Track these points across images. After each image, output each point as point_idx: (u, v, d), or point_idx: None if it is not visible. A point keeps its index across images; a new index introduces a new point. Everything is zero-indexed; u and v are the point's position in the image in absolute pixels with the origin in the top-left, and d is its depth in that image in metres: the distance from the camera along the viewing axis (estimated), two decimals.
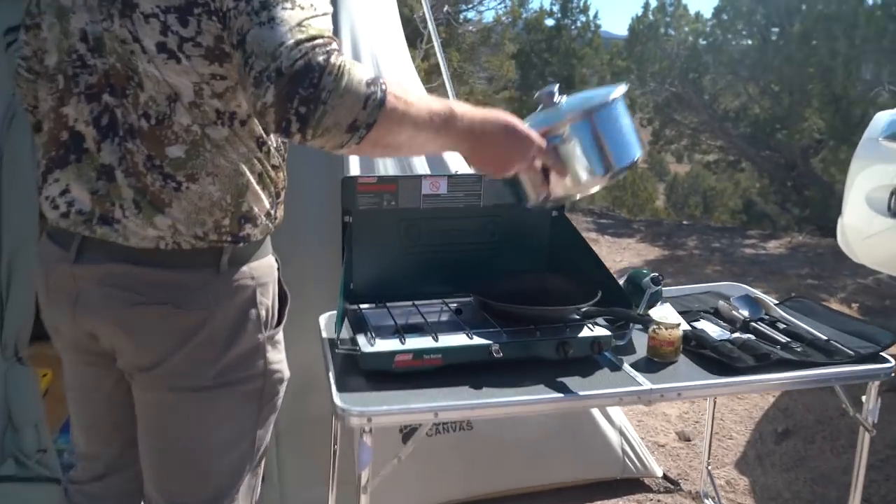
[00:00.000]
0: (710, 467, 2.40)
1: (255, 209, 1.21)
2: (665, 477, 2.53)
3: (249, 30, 1.00)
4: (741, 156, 9.97)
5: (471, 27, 10.34)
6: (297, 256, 2.26)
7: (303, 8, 1.02)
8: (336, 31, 2.34)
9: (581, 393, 1.48)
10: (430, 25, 3.36)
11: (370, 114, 0.99)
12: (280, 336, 1.33)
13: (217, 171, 1.16)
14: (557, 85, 1.33)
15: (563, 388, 1.48)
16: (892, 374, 1.65)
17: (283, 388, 1.35)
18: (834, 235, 7.19)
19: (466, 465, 2.30)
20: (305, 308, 2.19)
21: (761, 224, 9.32)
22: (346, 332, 1.67)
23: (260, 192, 1.22)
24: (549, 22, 10.88)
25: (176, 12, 1.08)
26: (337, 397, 1.43)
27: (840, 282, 5.36)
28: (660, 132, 10.52)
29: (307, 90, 0.96)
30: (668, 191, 13.05)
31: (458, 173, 1.90)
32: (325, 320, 1.86)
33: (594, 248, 6.12)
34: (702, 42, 9.48)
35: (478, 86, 10.04)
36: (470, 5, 10.50)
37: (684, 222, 9.05)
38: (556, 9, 10.87)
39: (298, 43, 0.97)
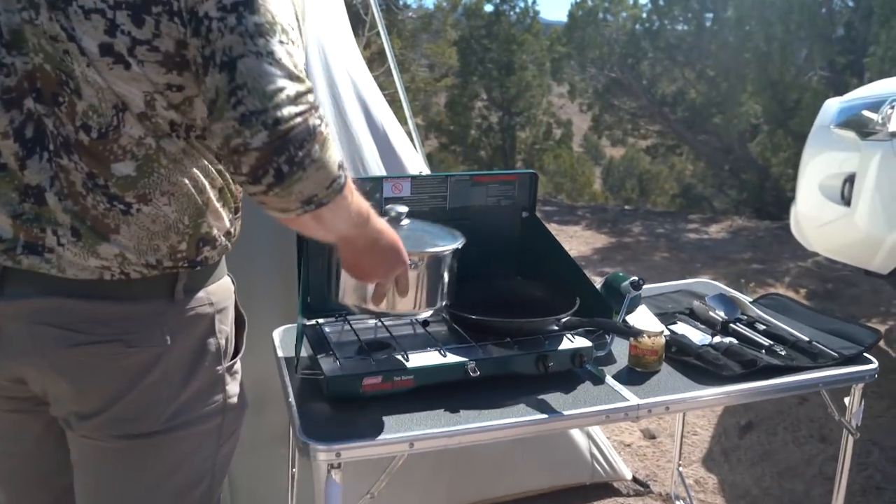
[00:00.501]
0: (680, 468, 2.34)
1: (215, 229, 1.08)
2: (634, 479, 2.46)
3: (243, 56, 0.88)
4: (679, 140, 10.11)
5: (411, 14, 10.15)
6: (248, 264, 2.09)
7: (295, 44, 0.93)
8: None
9: (565, 412, 1.37)
10: (375, 10, 3.20)
11: (329, 195, 0.94)
12: (238, 365, 1.19)
13: (174, 189, 1.02)
14: (406, 209, 1.41)
15: (545, 408, 1.37)
16: (876, 376, 1.60)
17: (243, 422, 1.21)
18: (772, 218, 7.38)
19: (429, 478, 2.18)
20: (256, 319, 2.03)
21: (700, 207, 9.47)
22: (305, 350, 1.52)
23: (220, 209, 1.08)
24: (489, 8, 10.78)
25: (129, 9, 0.92)
26: (300, 429, 1.28)
27: (783, 265, 5.44)
28: (599, 117, 10.58)
29: (296, 151, 0.88)
30: (604, 174, 13.19)
31: (422, 174, 1.76)
32: (280, 336, 1.70)
33: None
34: (639, 28, 9.53)
35: (419, 73, 9.88)
36: None
37: (626, 207, 9.12)
38: None
39: (299, 96, 0.90)
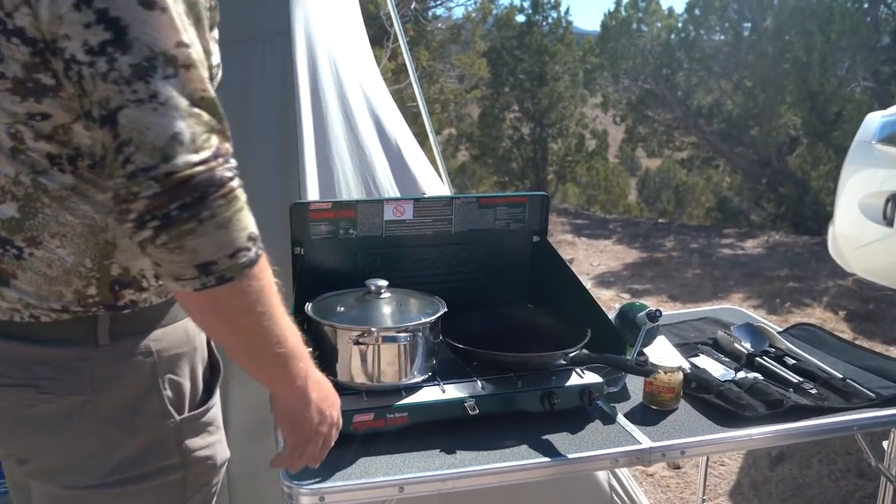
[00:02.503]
0: (704, 502, 2.21)
1: (135, 270, 0.96)
2: None
3: (122, 108, 0.76)
4: (715, 152, 9.89)
5: (440, 24, 10.10)
6: None
7: (187, 67, 0.79)
8: (289, 32, 2.12)
9: (570, 456, 1.27)
10: (396, 23, 3.14)
11: (232, 268, 0.81)
12: (213, 414, 1.08)
13: (64, 230, 0.90)
14: (386, 283, 1.38)
15: (549, 451, 1.27)
16: None
17: (219, 473, 1.11)
18: (811, 233, 7.14)
19: None
20: None
21: (736, 221, 9.23)
22: None
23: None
24: (520, 18, 10.69)
25: None
26: (284, 470, 1.20)
27: (821, 284, 5.24)
28: (633, 129, 10.41)
29: (192, 199, 0.77)
30: (640, 185, 12.98)
31: (426, 195, 1.68)
32: None
33: (571, 251, 5.96)
34: (674, 38, 9.36)
35: (448, 84, 9.82)
36: (438, 2, 10.27)
37: (660, 220, 8.94)
38: (526, 5, 10.68)
39: (197, 138, 0.78)
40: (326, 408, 1.01)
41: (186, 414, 1.03)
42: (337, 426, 1.05)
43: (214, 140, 0.80)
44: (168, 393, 1.00)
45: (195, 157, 0.77)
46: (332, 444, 1.06)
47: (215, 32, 0.95)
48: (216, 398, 1.10)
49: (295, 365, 0.93)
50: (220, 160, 0.80)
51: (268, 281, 0.86)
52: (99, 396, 0.95)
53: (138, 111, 0.76)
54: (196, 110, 0.79)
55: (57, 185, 0.88)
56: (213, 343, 1.11)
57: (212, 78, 0.93)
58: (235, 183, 0.81)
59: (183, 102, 0.78)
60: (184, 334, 1.04)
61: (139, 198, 0.76)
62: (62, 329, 0.94)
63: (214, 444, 1.08)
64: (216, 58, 0.95)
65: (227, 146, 0.82)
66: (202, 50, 0.84)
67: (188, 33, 0.81)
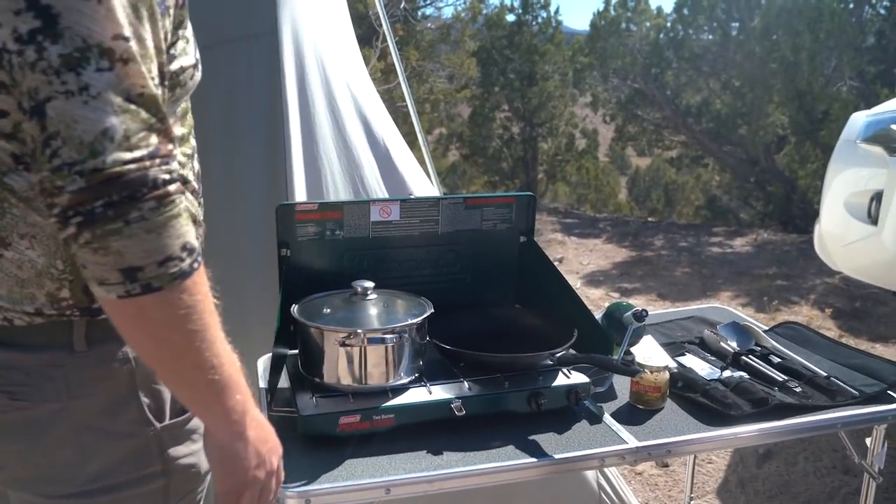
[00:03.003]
0: (692, 502, 2.22)
1: None
2: None
3: (51, 99, 0.72)
4: (704, 151, 9.93)
5: (429, 24, 10.09)
6: (238, 292, 2.02)
7: (125, 62, 0.75)
8: (277, 32, 2.12)
9: (557, 456, 1.27)
10: (385, 23, 3.14)
11: (160, 276, 0.76)
12: (196, 421, 1.05)
13: (34, 231, 0.87)
14: (373, 285, 1.39)
15: (536, 451, 1.28)
16: None
17: (204, 481, 1.09)
18: (799, 231, 7.18)
19: None
20: (249, 345, 1.96)
21: (725, 220, 9.28)
22: (284, 381, 1.44)
23: None
24: (510, 18, 10.70)
25: None
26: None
27: (809, 282, 5.27)
28: (622, 128, 10.44)
29: (121, 197, 0.73)
30: (630, 184, 13.01)
31: (413, 196, 1.68)
32: (264, 364, 1.63)
33: (561, 250, 5.96)
34: (663, 37, 9.38)
35: (438, 84, 9.81)
36: (428, 2, 10.27)
37: (650, 219, 8.97)
38: (516, 4, 10.70)
39: (132, 135, 0.74)
40: (266, 451, 0.95)
41: (168, 421, 1.00)
42: (278, 478, 0.98)
43: (153, 139, 0.76)
44: (147, 400, 0.97)
45: (127, 155, 0.74)
46: (272, 498, 0.98)
47: (187, 31, 0.92)
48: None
49: (230, 396, 0.87)
50: (157, 161, 0.76)
51: (203, 297, 0.81)
52: (75, 403, 0.92)
53: (67, 103, 0.72)
54: (133, 107, 0.75)
55: (24, 185, 0.85)
56: None
57: (178, 78, 0.90)
58: (173, 187, 0.77)
59: (117, 98, 0.74)
60: None
61: (63, 192, 0.73)
62: (37, 334, 0.92)
63: (198, 451, 1.05)
64: (189, 59, 0.93)
65: (169, 147, 0.79)
66: (153, 45, 0.80)
67: (131, 26, 0.77)
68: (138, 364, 0.96)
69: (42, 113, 0.73)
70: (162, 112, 0.78)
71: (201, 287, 0.81)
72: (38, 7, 0.72)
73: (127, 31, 0.76)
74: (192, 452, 1.05)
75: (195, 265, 0.80)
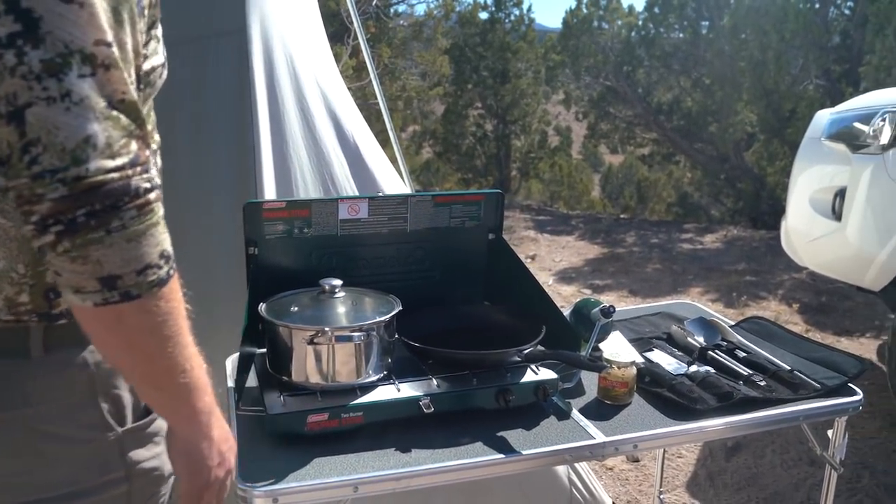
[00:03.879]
0: (662, 496, 2.25)
1: None
2: None
3: (31, 105, 0.71)
4: (675, 149, 10.04)
5: (402, 21, 10.07)
6: (205, 290, 2.00)
7: (107, 67, 0.74)
8: (245, 29, 2.10)
9: (525, 452, 1.28)
10: (356, 20, 3.13)
11: (139, 284, 0.76)
12: (158, 424, 1.03)
13: None
14: (340, 283, 1.39)
15: (504, 447, 1.28)
16: (860, 408, 1.51)
17: (168, 483, 1.07)
18: (767, 228, 7.28)
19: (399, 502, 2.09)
20: (213, 349, 1.93)
21: (696, 216, 9.39)
22: (252, 380, 1.43)
23: None
24: (483, 15, 10.72)
25: None
26: (237, 470, 1.19)
27: (777, 277, 5.35)
28: (595, 126, 10.51)
29: (102, 206, 0.73)
30: (603, 182, 13.11)
31: (381, 194, 1.68)
32: (232, 364, 1.61)
33: (534, 247, 5.99)
34: (634, 35, 9.47)
35: (411, 81, 9.80)
36: None
37: (622, 216, 9.04)
38: (489, 2, 10.72)
39: (114, 142, 0.73)
40: (226, 450, 0.97)
41: (129, 426, 0.98)
42: (232, 474, 1.00)
43: (133, 146, 0.76)
44: (106, 405, 0.95)
45: (110, 163, 0.73)
46: (225, 495, 1.00)
47: (158, 31, 0.92)
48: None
49: (199, 398, 0.89)
50: (139, 169, 0.76)
51: (177, 304, 0.82)
52: (32, 411, 0.90)
53: (48, 110, 0.71)
54: (115, 113, 0.75)
55: None
56: None
57: (148, 78, 0.90)
58: (153, 196, 0.77)
59: (100, 104, 0.73)
60: None
61: (43, 200, 0.72)
62: None
63: (161, 454, 1.04)
64: (159, 58, 0.92)
65: (147, 154, 0.78)
66: (131, 49, 0.80)
67: (113, 31, 0.76)
68: (98, 369, 0.94)
69: (21, 118, 0.71)
70: (141, 118, 0.78)
71: (176, 293, 0.81)
72: (19, 10, 0.71)
73: (109, 37, 0.75)
74: (154, 455, 1.03)
75: (171, 272, 0.80)
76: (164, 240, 0.79)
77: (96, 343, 0.84)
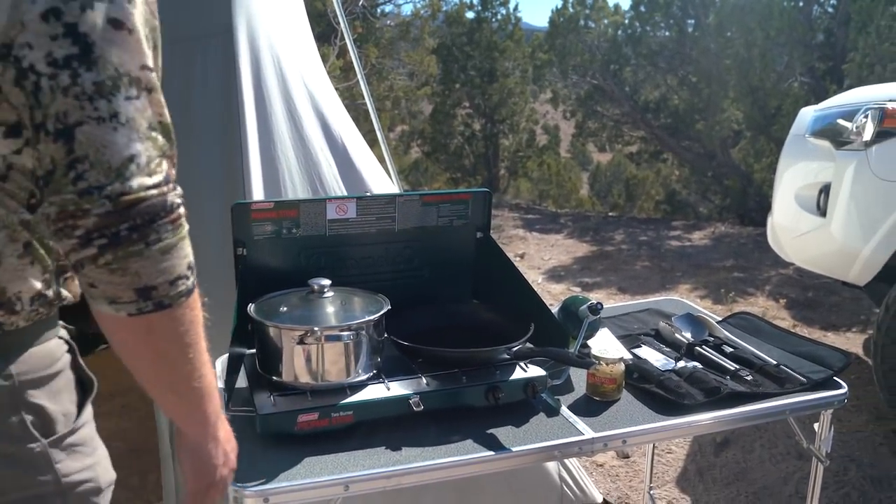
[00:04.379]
0: (651, 492, 2.26)
1: (11, 292, 0.88)
2: (605, 502, 2.38)
3: (82, 123, 0.75)
4: (663, 146, 10.08)
5: (389, 21, 10.06)
6: (199, 280, 2.01)
7: (149, 91, 0.80)
8: (232, 30, 2.10)
9: (515, 449, 1.29)
10: (342, 20, 3.13)
11: (171, 295, 0.81)
12: (84, 434, 0.99)
13: None
14: (329, 282, 1.39)
15: (494, 444, 1.29)
16: (846, 401, 1.53)
17: (104, 495, 1.03)
18: (755, 224, 7.33)
19: (390, 501, 2.09)
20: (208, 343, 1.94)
21: (685, 214, 9.44)
22: (242, 381, 1.43)
23: (22, 267, 0.88)
24: (470, 15, 10.73)
25: None
26: None
27: (764, 273, 5.39)
28: (583, 124, 10.54)
29: (143, 221, 0.78)
30: (591, 180, 13.15)
31: (369, 194, 1.68)
32: (222, 364, 1.61)
33: (523, 246, 6.00)
34: (621, 34, 9.50)
35: (398, 81, 9.80)
36: None
37: (610, 214, 9.08)
38: (475, 1, 10.73)
39: (152, 161, 0.79)
40: (230, 450, 1.02)
41: (55, 436, 0.94)
42: (233, 472, 1.04)
43: (165, 165, 0.80)
44: (30, 416, 0.92)
45: (149, 181, 0.78)
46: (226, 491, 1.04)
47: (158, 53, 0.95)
48: (87, 416, 1.02)
49: (210, 402, 0.93)
50: (171, 186, 0.81)
51: (199, 312, 0.87)
52: None
53: (98, 129, 0.76)
54: (154, 134, 0.79)
55: None
56: (81, 361, 1.03)
57: None
58: (182, 210, 0.82)
59: (143, 125, 0.78)
60: (48, 355, 0.95)
61: (90, 215, 0.76)
62: None
63: (93, 465, 1.00)
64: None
65: (174, 172, 0.83)
66: (159, 73, 0.84)
67: (151, 56, 0.81)
68: (20, 381, 0.91)
69: (71, 136, 0.75)
70: (173, 138, 0.83)
71: (198, 302, 0.86)
72: (76, 34, 0.75)
73: (150, 62, 0.81)
74: (86, 467, 0.99)
75: (195, 281, 0.85)
76: (190, 252, 0.84)
77: (123, 352, 0.86)
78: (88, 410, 1.02)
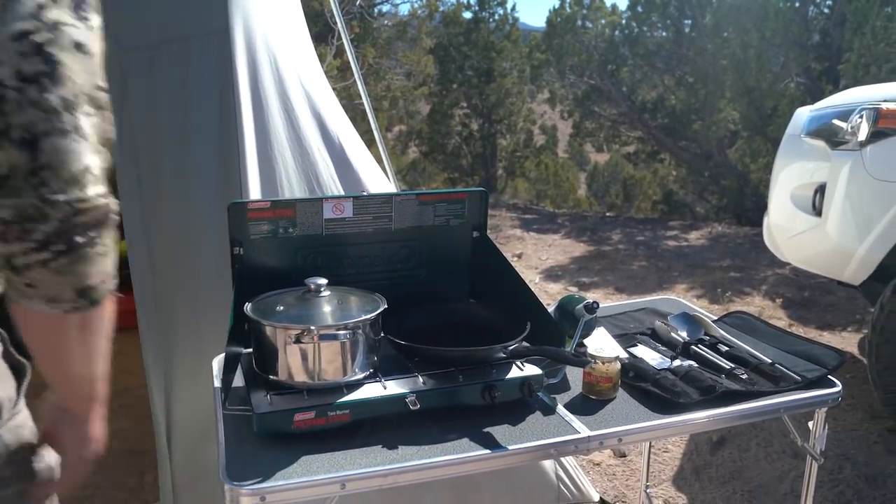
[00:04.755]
0: (648, 490, 2.27)
1: None
2: (602, 501, 2.39)
3: (48, 135, 0.80)
4: (660, 147, 10.09)
5: (386, 21, 10.06)
6: (191, 291, 2.01)
7: (103, 109, 0.87)
8: (228, 30, 2.10)
9: (511, 447, 1.29)
10: (339, 20, 3.13)
11: (102, 293, 0.89)
12: (25, 414, 1.02)
13: None
14: (326, 281, 1.40)
15: (490, 443, 1.29)
16: (840, 399, 1.53)
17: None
18: (751, 224, 7.35)
19: (387, 499, 2.10)
20: (200, 350, 1.93)
21: (682, 214, 9.45)
22: (239, 380, 1.44)
23: None
24: (467, 15, 10.74)
25: None
26: (224, 471, 1.20)
27: (761, 273, 5.40)
28: (580, 124, 10.55)
29: (93, 229, 0.84)
30: (589, 180, 13.16)
31: (365, 193, 1.69)
32: (219, 363, 1.62)
33: (521, 246, 6.00)
34: (618, 34, 9.51)
35: (396, 81, 9.80)
36: None
37: (608, 214, 9.09)
38: (473, 1, 10.73)
39: (98, 176, 0.85)
40: (102, 430, 1.08)
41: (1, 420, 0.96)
42: (96, 444, 1.09)
43: (104, 177, 0.87)
44: None
45: (100, 190, 0.84)
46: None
47: None
48: (16, 402, 1.03)
49: (103, 385, 1.01)
50: (111, 195, 0.87)
51: (112, 306, 0.94)
52: None
53: (62, 140, 0.81)
54: (102, 148, 0.85)
55: None
56: (11, 348, 1.04)
57: None
58: (116, 216, 0.89)
59: (95, 139, 0.84)
60: None
61: (50, 219, 0.80)
62: None
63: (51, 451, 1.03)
64: None
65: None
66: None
67: (103, 77, 0.87)
68: None
69: (35, 146, 0.80)
70: (109, 155, 0.89)
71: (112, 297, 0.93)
72: (44, 53, 0.81)
73: (104, 84, 0.87)
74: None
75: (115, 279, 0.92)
76: (115, 254, 0.90)
77: (43, 345, 0.91)
78: (20, 396, 1.05)
